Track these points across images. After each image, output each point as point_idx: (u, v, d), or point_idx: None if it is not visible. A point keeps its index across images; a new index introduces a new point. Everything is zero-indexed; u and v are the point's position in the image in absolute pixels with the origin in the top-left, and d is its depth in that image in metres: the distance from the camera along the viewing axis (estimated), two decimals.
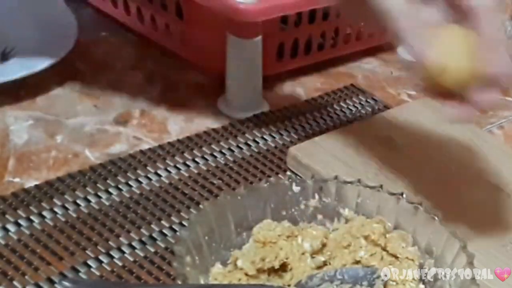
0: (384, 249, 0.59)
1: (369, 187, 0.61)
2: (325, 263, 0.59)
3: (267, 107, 0.84)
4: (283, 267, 0.58)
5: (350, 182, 0.61)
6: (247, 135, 0.79)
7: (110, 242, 0.64)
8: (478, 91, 0.54)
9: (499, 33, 0.54)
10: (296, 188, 0.61)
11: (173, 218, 0.67)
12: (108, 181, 0.70)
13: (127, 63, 0.89)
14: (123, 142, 0.76)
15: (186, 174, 0.72)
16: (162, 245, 0.64)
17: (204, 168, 0.73)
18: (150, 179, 0.71)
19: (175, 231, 0.66)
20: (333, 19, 0.91)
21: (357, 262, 0.58)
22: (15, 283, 0.59)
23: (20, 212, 0.65)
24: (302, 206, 0.62)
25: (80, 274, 0.61)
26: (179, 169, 0.73)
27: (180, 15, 0.88)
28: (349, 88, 0.90)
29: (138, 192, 0.69)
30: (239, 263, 0.56)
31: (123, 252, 0.63)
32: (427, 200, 0.62)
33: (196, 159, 0.74)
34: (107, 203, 0.68)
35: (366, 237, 0.59)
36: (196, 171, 0.73)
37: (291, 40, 0.89)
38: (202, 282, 0.56)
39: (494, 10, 0.54)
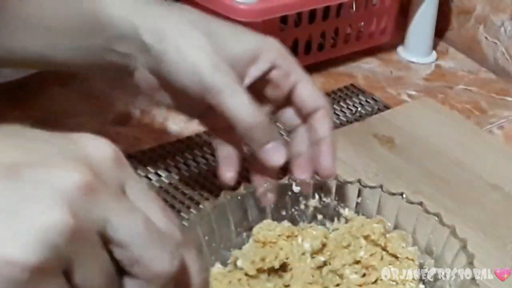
0: (384, 249, 0.59)
1: (369, 187, 0.61)
2: (325, 263, 0.59)
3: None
4: (283, 267, 0.58)
5: (350, 182, 0.61)
6: None
7: None
8: None
9: None
10: (296, 188, 0.61)
11: None
12: None
13: None
14: (123, 142, 0.76)
15: (186, 174, 0.72)
16: None
17: (204, 168, 0.73)
18: (150, 179, 0.71)
19: None
20: (333, 19, 0.91)
21: (357, 262, 0.58)
22: None
23: None
24: (302, 206, 0.62)
25: None
26: (179, 169, 0.73)
27: None
28: (349, 88, 0.90)
29: None
30: (239, 263, 0.56)
31: None
32: (427, 200, 0.62)
33: (197, 159, 0.74)
34: None
35: (366, 237, 0.59)
36: (196, 171, 0.73)
37: (291, 40, 0.89)
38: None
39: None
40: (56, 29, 0.61)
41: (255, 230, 0.59)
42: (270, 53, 0.60)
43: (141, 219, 0.37)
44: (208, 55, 0.57)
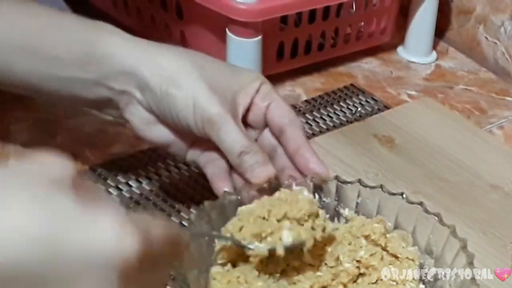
0: (384, 249, 0.59)
1: (369, 187, 0.61)
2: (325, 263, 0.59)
3: None
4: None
5: (350, 182, 0.61)
6: None
7: None
8: None
9: None
10: (296, 188, 0.61)
11: (173, 218, 0.67)
12: (108, 181, 0.70)
13: None
14: (123, 142, 0.76)
15: (187, 174, 0.72)
16: None
17: None
18: (150, 179, 0.71)
19: None
20: (333, 19, 0.91)
21: (357, 261, 0.58)
22: None
23: None
24: None
25: None
26: (179, 168, 0.73)
27: (180, 15, 0.88)
28: (349, 88, 0.90)
29: (138, 192, 0.69)
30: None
31: None
32: (427, 200, 0.62)
33: None
34: None
35: (366, 237, 0.59)
36: (196, 171, 0.73)
37: (291, 40, 0.89)
38: (202, 282, 0.56)
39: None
40: (51, 57, 0.62)
41: (238, 210, 0.58)
42: (255, 82, 0.64)
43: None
44: (205, 89, 0.60)
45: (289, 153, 0.63)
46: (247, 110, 0.64)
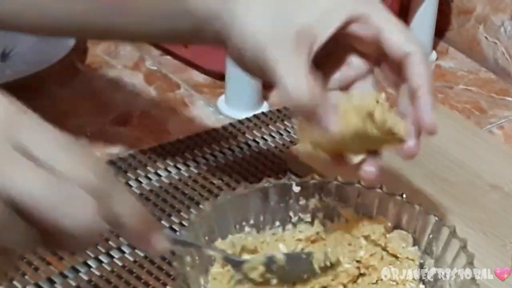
0: (384, 249, 0.59)
1: (369, 187, 0.61)
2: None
3: (267, 107, 0.84)
4: None
5: (350, 182, 0.61)
6: (247, 135, 0.79)
7: (110, 242, 0.64)
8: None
9: None
10: (296, 188, 0.61)
11: (173, 218, 0.67)
12: None
13: (127, 63, 0.89)
14: (123, 142, 0.76)
15: (186, 174, 0.72)
16: None
17: (204, 168, 0.73)
18: (150, 179, 0.71)
19: (175, 231, 0.66)
20: None
21: (357, 261, 0.58)
22: (15, 283, 0.59)
23: None
24: (302, 206, 0.62)
25: (80, 274, 0.61)
26: (179, 169, 0.73)
27: None
28: None
29: (138, 192, 0.69)
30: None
31: (123, 252, 0.63)
32: (427, 200, 0.62)
33: (196, 159, 0.74)
34: None
35: (366, 237, 0.59)
36: (196, 171, 0.73)
37: None
38: (202, 282, 0.56)
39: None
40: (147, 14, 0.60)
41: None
42: (344, 9, 0.55)
43: (42, 178, 0.36)
44: (268, 25, 0.54)
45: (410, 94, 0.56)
46: (352, 39, 0.55)
